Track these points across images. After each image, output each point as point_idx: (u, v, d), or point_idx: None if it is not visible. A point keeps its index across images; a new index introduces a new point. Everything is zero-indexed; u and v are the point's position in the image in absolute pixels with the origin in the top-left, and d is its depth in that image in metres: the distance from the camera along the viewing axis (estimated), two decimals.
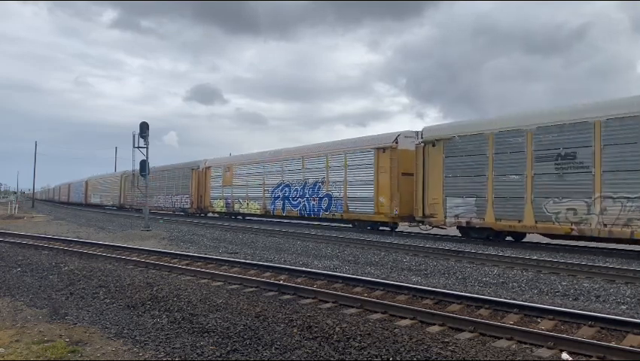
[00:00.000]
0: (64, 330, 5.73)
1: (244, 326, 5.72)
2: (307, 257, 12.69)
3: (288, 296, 7.71)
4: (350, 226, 21.13)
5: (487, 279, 9.54)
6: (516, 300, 7.34)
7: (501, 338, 5.52)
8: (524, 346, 5.33)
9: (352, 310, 6.82)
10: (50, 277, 9.17)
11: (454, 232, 17.38)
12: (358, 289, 8.25)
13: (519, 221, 14.29)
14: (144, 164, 22.33)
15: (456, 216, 16.03)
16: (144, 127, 22.01)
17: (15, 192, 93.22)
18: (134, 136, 22.28)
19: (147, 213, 22.47)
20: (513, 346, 5.32)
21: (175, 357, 4.82)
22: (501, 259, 11.62)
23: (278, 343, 5.13)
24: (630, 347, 5.10)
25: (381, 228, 19.86)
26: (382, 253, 13.09)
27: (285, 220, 25.23)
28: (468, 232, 16.34)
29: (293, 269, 9.90)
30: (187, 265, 10.94)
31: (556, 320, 6.23)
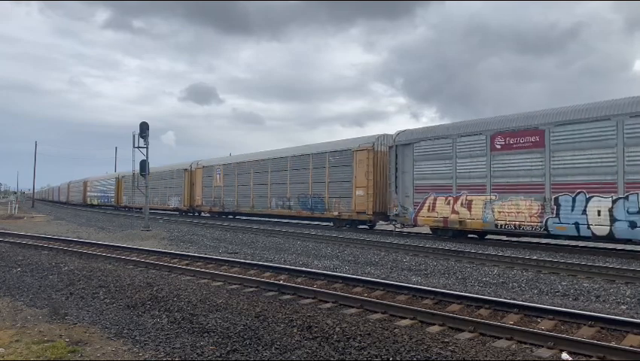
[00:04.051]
0: (64, 330, 5.73)
1: (244, 326, 5.72)
2: (307, 257, 12.68)
3: (288, 296, 7.71)
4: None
5: (487, 279, 9.54)
6: (516, 300, 7.33)
7: (501, 338, 5.51)
8: (524, 346, 5.33)
9: (352, 310, 6.82)
10: (50, 277, 9.16)
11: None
12: (358, 289, 8.24)
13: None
14: (144, 164, 22.33)
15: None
16: (144, 127, 22.01)
17: (15, 192, 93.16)
18: (134, 136, 22.29)
19: (147, 213, 22.47)
20: (513, 346, 5.32)
21: (175, 357, 4.82)
22: (501, 259, 11.62)
23: (278, 343, 5.12)
24: (630, 347, 5.10)
25: None
26: (382, 253, 13.09)
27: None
28: None
29: (293, 269, 9.90)
30: (187, 265, 10.94)
31: (556, 320, 6.23)
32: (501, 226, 14.85)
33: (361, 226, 21.54)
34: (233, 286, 8.49)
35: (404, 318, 6.35)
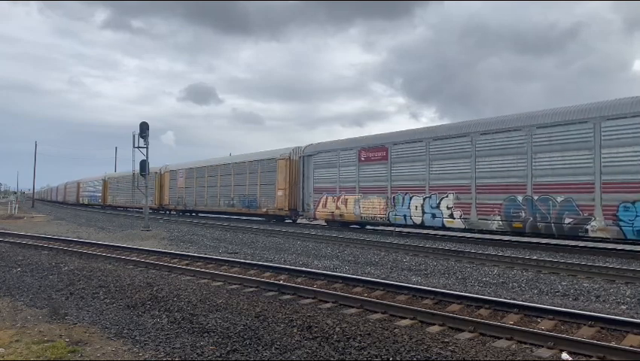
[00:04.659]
0: (64, 330, 5.73)
1: (244, 326, 5.72)
2: (307, 257, 12.69)
3: (288, 296, 7.71)
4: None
5: (487, 279, 9.54)
6: (516, 300, 7.33)
7: (501, 338, 5.51)
8: (524, 346, 5.33)
9: (352, 310, 6.82)
10: (50, 277, 9.16)
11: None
12: (358, 289, 8.24)
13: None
14: (144, 164, 22.33)
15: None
16: (144, 127, 22.01)
17: (15, 192, 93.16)
18: (134, 136, 22.30)
19: (147, 213, 22.47)
20: (513, 346, 5.32)
21: (175, 357, 4.82)
22: (501, 259, 11.62)
23: (278, 343, 5.13)
24: (630, 347, 5.10)
25: None
26: (382, 253, 13.09)
27: None
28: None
29: (293, 269, 9.90)
30: (187, 265, 10.94)
31: (556, 320, 6.23)
32: (364, 218, 20.00)
33: (287, 220, 25.82)
34: (233, 286, 8.49)
35: (404, 318, 6.35)
